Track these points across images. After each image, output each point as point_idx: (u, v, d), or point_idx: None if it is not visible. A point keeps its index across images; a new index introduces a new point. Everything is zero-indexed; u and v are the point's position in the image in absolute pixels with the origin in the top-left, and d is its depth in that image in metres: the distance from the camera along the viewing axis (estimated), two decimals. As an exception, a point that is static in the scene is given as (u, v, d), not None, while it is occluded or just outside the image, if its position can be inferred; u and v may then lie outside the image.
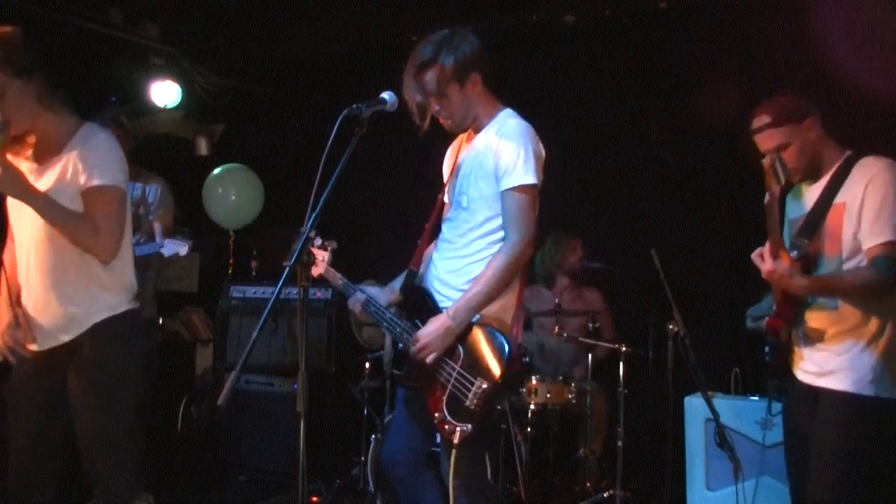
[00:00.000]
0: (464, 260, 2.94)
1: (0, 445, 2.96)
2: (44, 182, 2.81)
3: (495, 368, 2.78)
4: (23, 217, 2.87)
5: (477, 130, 3.00)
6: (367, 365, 4.98)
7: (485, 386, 2.76)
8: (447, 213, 3.06)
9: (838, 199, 2.83)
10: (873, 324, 2.78)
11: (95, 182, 2.81)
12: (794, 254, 2.77)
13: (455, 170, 3.08)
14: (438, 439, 4.03)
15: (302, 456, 2.27)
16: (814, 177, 2.93)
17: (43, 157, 2.88)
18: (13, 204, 2.90)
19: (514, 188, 2.83)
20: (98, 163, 2.83)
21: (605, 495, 4.65)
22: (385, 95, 2.66)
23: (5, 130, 2.71)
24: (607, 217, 5.50)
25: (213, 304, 5.83)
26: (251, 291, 5.60)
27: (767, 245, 2.69)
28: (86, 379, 2.85)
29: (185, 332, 6.46)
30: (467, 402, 2.77)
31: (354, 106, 2.53)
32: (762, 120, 2.88)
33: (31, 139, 2.88)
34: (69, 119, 2.90)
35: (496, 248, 2.89)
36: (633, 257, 4.48)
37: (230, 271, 6.15)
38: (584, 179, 5.36)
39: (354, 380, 5.04)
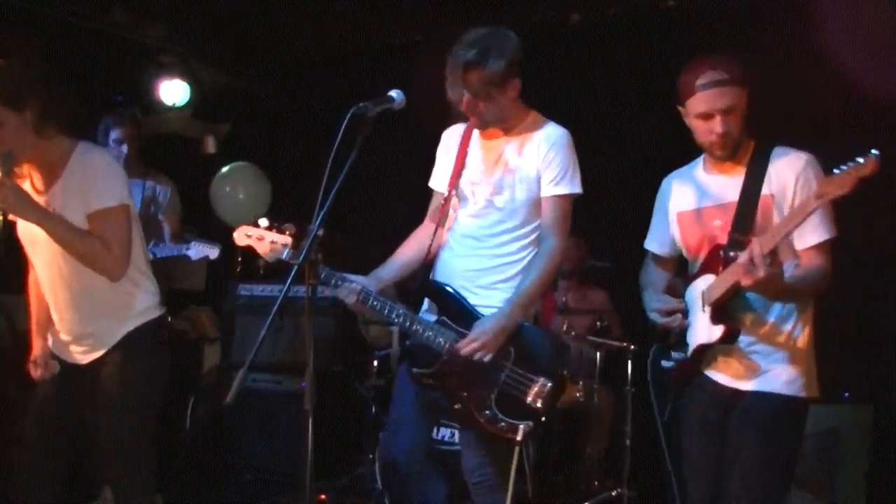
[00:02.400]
0: (496, 259, 2.97)
1: (10, 448, 2.98)
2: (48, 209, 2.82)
3: (558, 366, 2.90)
4: (38, 246, 2.89)
5: (506, 131, 3.01)
6: (375, 363, 4.98)
7: (550, 384, 2.85)
8: (470, 210, 3.04)
9: (765, 192, 2.73)
10: (791, 323, 2.75)
11: (100, 204, 2.83)
12: (733, 254, 2.66)
13: (465, 163, 3.07)
14: (449, 437, 4.04)
15: (309, 454, 2.27)
16: (731, 158, 2.79)
17: (43, 184, 2.89)
18: (26, 235, 2.92)
19: (562, 195, 2.95)
20: (100, 184, 2.84)
21: (611, 494, 4.65)
22: (392, 94, 2.66)
23: (10, 160, 2.73)
24: (613, 215, 5.48)
25: (221, 302, 5.84)
26: (258, 290, 5.60)
27: (761, 247, 2.48)
28: (115, 384, 2.90)
29: (191, 331, 6.45)
30: (529, 400, 2.84)
31: (361, 104, 2.53)
32: (718, 74, 2.67)
33: (26, 169, 2.89)
34: (64, 142, 2.89)
35: (527, 251, 2.98)
36: (640, 256, 4.47)
37: (237, 269, 6.15)
38: (589, 178, 5.34)
39: (361, 378, 5.04)
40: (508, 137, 3.01)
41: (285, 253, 2.96)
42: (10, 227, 2.88)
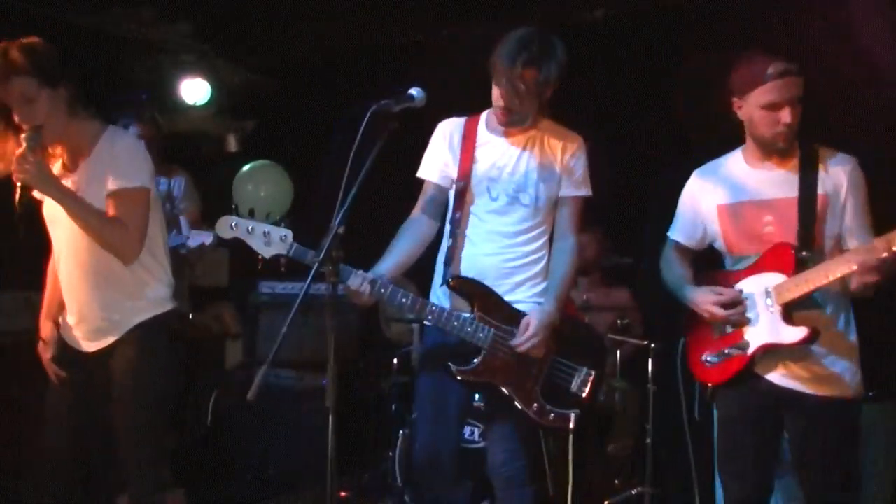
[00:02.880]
0: (526, 257, 3.03)
1: (12, 448, 3.00)
2: (74, 189, 2.85)
3: (600, 356, 3.04)
4: (60, 225, 2.91)
5: (525, 130, 3.05)
6: (395, 360, 4.99)
7: (594, 373, 2.96)
8: (491, 206, 3.04)
9: (820, 191, 2.77)
10: (843, 320, 2.80)
11: (121, 184, 2.87)
12: (805, 254, 2.72)
13: (474, 157, 3.06)
14: (469, 434, 4.07)
15: (331, 450, 2.28)
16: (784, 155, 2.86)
17: (70, 163, 2.93)
18: (49, 212, 2.95)
19: (582, 196, 3.07)
20: (123, 165, 2.88)
21: (633, 492, 4.63)
22: (413, 91, 2.67)
23: (39, 135, 2.76)
24: (637, 212, 5.46)
25: (243, 298, 5.87)
26: (280, 287, 5.62)
27: (880, 251, 2.55)
28: (130, 379, 2.91)
29: (214, 327, 6.50)
30: (574, 389, 2.94)
31: (383, 102, 2.54)
32: (789, 64, 2.75)
33: (58, 150, 2.93)
34: (94, 124, 2.95)
35: (544, 248, 3.07)
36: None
37: (259, 266, 6.17)
38: (613, 174, 5.32)
39: (383, 375, 5.05)
40: (528, 136, 3.04)
41: (287, 247, 2.79)
42: (32, 204, 2.90)
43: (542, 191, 3.00)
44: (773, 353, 2.79)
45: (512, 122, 3.02)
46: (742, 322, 2.84)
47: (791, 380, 2.78)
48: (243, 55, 6.50)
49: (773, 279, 2.77)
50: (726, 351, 2.87)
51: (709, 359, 2.93)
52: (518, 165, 3.02)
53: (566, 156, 3.02)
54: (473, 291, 3.00)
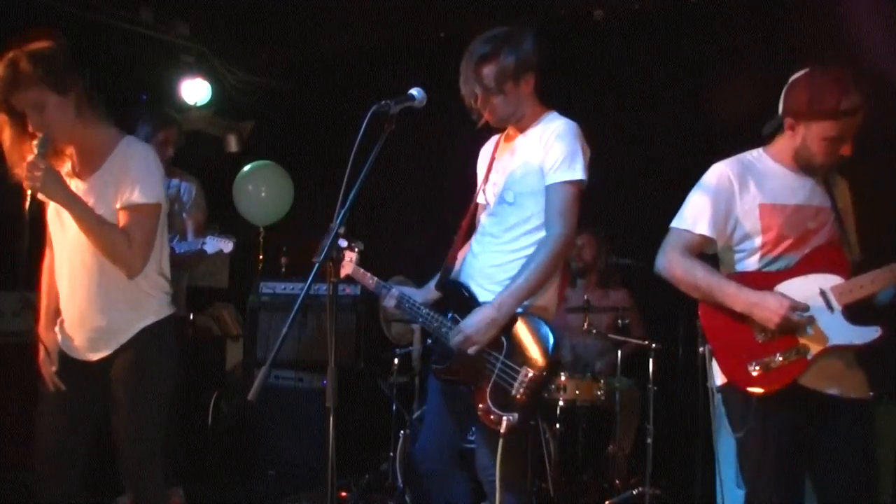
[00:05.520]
0: (509, 255, 2.95)
1: (27, 439, 2.99)
2: (83, 196, 2.83)
3: (540, 357, 2.79)
4: (67, 230, 2.90)
5: (521, 129, 3.02)
6: (396, 360, 4.99)
7: (531, 374, 2.77)
8: (488, 210, 3.06)
9: (840, 205, 2.85)
10: None
11: (135, 200, 2.84)
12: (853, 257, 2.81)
13: (492, 168, 3.10)
14: (471, 434, 4.04)
15: (331, 451, 2.28)
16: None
17: (82, 170, 2.91)
18: (55, 218, 2.94)
19: (560, 182, 2.87)
20: (137, 179, 2.85)
21: (634, 492, 4.63)
22: (414, 91, 2.66)
23: (48, 144, 2.75)
24: (637, 213, 5.46)
25: (243, 299, 5.88)
26: (281, 287, 5.63)
27: None
28: (127, 380, 2.90)
29: (215, 328, 6.51)
30: (513, 392, 2.78)
31: (383, 102, 2.53)
32: (858, 98, 2.63)
33: (69, 151, 2.91)
34: (108, 132, 2.92)
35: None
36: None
37: (260, 267, 6.19)
38: (613, 175, 5.33)
39: (383, 375, 5.05)
40: (523, 135, 3.02)
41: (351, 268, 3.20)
42: (39, 207, 2.89)
43: (523, 185, 2.94)
44: (820, 359, 2.67)
45: (497, 121, 3.01)
46: (798, 326, 2.67)
47: (834, 386, 2.68)
48: (244, 55, 6.50)
49: (826, 280, 2.69)
50: (779, 357, 2.67)
51: (757, 366, 2.69)
52: (506, 166, 3.02)
53: (543, 143, 2.91)
54: (452, 294, 3.02)
